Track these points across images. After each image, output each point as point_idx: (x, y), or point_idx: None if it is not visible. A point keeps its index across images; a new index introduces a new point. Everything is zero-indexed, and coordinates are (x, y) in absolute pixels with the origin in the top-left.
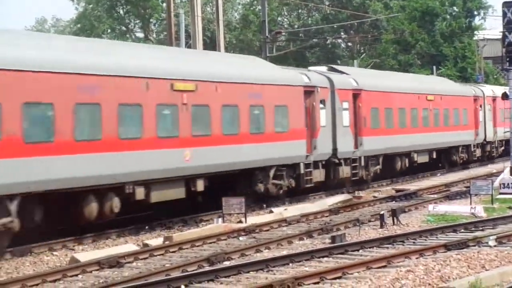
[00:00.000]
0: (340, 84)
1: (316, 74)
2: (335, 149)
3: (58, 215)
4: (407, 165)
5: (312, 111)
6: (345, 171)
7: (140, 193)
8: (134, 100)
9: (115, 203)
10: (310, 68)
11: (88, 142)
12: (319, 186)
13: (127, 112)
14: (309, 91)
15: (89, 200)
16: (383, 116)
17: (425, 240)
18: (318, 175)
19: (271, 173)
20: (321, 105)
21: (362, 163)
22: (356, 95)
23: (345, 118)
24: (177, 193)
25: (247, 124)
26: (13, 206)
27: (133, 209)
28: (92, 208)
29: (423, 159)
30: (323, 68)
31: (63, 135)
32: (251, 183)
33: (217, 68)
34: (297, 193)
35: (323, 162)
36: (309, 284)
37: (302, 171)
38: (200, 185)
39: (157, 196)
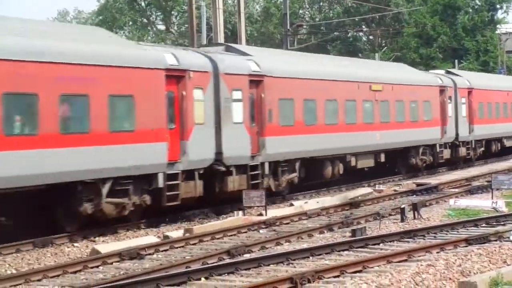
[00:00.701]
0: (459, 84)
1: (444, 77)
2: (457, 134)
3: None
4: (340, 171)
5: (443, 105)
6: (462, 151)
7: (353, 161)
8: (351, 97)
9: (340, 167)
10: (431, 71)
11: (308, 127)
12: (447, 162)
13: (347, 106)
14: (441, 90)
15: (326, 165)
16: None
17: (446, 234)
18: (447, 153)
19: (420, 150)
20: (449, 101)
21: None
22: (469, 92)
23: (463, 110)
24: (370, 162)
25: (408, 114)
26: None
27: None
28: (328, 170)
29: (365, 163)
30: (441, 71)
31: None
32: (407, 158)
33: (391, 74)
34: (434, 167)
35: (449, 144)
36: (329, 278)
37: (437, 150)
38: (382, 158)
39: (361, 163)
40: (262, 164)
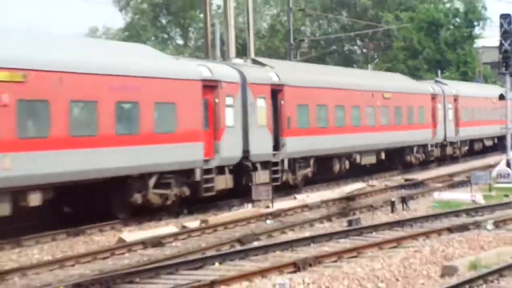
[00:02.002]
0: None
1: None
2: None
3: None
4: (347, 167)
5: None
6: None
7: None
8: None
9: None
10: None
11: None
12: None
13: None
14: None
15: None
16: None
17: (431, 223)
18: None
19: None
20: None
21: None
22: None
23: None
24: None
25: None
26: None
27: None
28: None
29: (368, 160)
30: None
31: None
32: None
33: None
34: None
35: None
36: (328, 263)
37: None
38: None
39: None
40: (282, 161)
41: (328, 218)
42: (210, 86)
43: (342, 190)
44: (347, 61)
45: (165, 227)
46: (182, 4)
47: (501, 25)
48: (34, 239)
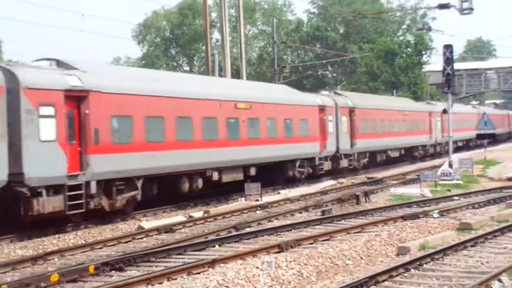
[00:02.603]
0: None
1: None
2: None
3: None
4: (199, 186)
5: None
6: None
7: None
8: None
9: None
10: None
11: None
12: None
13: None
14: (321, 109)
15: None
16: None
17: (388, 213)
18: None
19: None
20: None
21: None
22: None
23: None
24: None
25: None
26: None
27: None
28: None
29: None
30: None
31: None
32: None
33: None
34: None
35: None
36: (306, 245)
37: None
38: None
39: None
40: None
41: (306, 209)
42: (322, 109)
43: (317, 187)
44: (320, 83)
45: (175, 217)
46: (188, 38)
47: (444, 54)
48: (71, 227)
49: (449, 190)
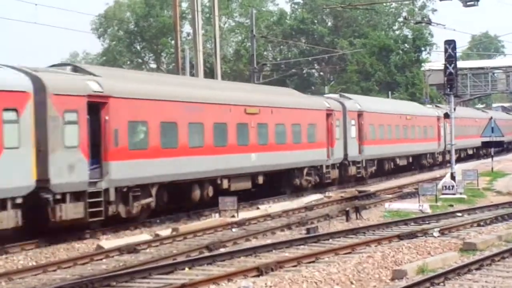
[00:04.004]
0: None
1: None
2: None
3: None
4: (210, 194)
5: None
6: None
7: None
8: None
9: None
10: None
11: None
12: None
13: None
14: (328, 114)
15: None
16: None
17: (382, 231)
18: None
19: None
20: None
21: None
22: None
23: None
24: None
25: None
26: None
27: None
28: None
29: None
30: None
31: None
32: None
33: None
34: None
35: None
36: (288, 267)
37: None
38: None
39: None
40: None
41: (288, 226)
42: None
43: (301, 201)
44: (306, 83)
45: (139, 235)
46: (155, 31)
47: (446, 50)
48: (19, 246)
49: (451, 206)
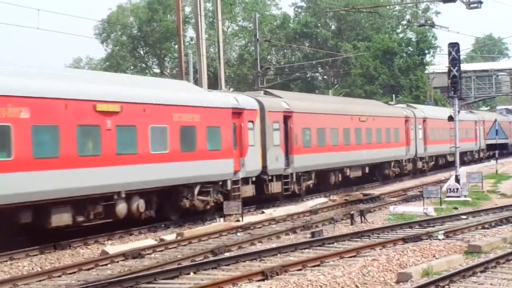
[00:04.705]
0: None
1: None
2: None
3: None
4: (339, 179)
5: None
6: (419, 164)
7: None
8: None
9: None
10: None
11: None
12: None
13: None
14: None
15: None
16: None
17: (387, 234)
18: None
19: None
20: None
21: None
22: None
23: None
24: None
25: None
26: None
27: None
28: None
29: (356, 173)
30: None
31: None
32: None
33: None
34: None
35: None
36: (293, 271)
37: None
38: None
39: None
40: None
41: (293, 230)
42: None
43: (306, 205)
44: (310, 87)
45: (144, 240)
46: (158, 36)
47: (450, 53)
48: (24, 252)
49: (456, 208)
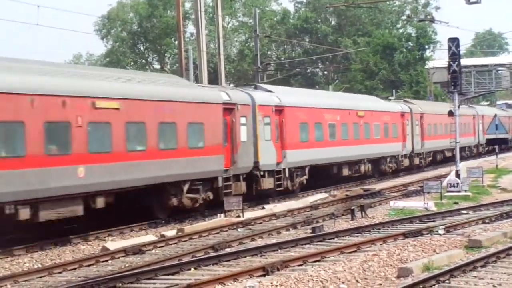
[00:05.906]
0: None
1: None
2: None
3: None
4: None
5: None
6: (416, 160)
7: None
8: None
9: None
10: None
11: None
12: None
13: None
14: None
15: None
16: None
17: (388, 229)
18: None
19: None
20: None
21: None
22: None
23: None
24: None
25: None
26: None
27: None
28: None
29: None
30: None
31: None
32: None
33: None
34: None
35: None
36: (294, 266)
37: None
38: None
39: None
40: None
41: (294, 225)
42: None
43: (306, 200)
44: (310, 82)
45: (145, 236)
46: (158, 32)
47: (449, 48)
48: (25, 248)
49: (456, 203)
